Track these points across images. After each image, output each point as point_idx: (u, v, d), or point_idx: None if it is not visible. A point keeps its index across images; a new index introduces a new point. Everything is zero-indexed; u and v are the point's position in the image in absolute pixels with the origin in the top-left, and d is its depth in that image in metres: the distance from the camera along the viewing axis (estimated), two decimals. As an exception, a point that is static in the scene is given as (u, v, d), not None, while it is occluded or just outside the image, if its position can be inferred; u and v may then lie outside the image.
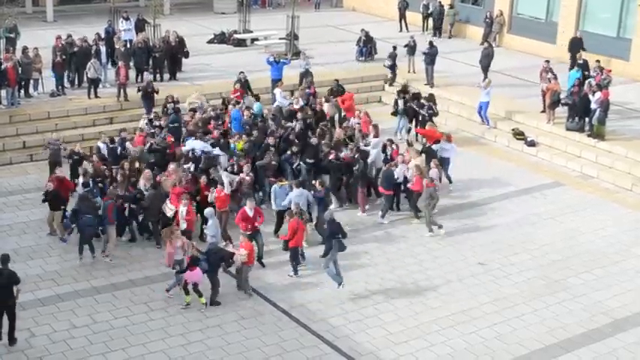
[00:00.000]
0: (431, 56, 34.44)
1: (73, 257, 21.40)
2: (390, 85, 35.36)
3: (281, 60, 33.09)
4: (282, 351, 17.93)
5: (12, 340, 17.65)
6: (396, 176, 24.15)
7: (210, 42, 41.17)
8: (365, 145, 25.73)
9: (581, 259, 22.48)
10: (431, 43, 35.20)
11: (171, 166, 23.50)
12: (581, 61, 33.19)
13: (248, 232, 20.98)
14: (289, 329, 18.74)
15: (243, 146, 25.30)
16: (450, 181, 26.45)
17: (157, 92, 29.88)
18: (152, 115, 27.74)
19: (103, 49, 32.58)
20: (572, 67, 33.94)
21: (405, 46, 36.08)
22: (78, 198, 22.12)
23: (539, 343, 18.56)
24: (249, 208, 21.35)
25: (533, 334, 18.91)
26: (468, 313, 19.62)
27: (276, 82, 32.28)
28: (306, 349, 18.01)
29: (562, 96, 31.01)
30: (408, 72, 36.01)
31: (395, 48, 35.53)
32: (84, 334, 18.19)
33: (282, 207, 22.42)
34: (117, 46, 33.22)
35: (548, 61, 33.27)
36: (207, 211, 21.10)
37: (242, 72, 31.38)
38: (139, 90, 30.30)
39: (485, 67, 34.99)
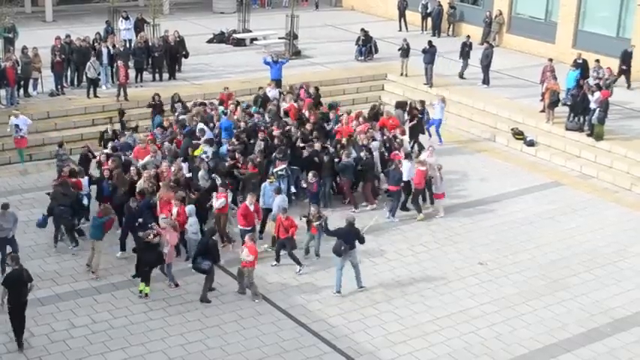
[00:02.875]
0: (430, 55, 34.45)
1: (72, 257, 21.40)
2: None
3: (279, 60, 33.03)
4: (282, 350, 17.93)
5: (21, 344, 17.64)
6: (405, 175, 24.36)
7: (209, 42, 41.17)
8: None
9: (580, 258, 22.49)
10: (430, 42, 35.22)
11: (164, 164, 23.32)
12: (580, 61, 33.19)
13: (248, 228, 21.08)
14: (288, 329, 18.75)
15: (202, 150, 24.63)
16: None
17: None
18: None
19: (104, 49, 32.46)
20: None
21: (399, 49, 35.89)
22: (55, 186, 22.13)
23: (539, 343, 18.56)
24: (249, 202, 21.37)
25: (533, 333, 18.92)
26: (468, 313, 19.63)
27: (276, 81, 32.25)
28: (305, 349, 18.01)
29: (561, 96, 31.05)
30: (401, 75, 35.94)
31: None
32: (83, 334, 18.18)
33: (269, 205, 22.44)
34: (108, 45, 32.94)
35: (551, 60, 33.24)
36: (189, 208, 21.17)
37: (261, 87, 31.00)
38: (149, 106, 29.40)
39: (486, 66, 34.99)
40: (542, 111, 31.66)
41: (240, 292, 19.99)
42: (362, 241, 20.49)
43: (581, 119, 30.20)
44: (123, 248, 21.52)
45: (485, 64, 34.98)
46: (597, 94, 29.48)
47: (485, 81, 35.18)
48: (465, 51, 35.81)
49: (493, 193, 26.60)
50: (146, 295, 19.63)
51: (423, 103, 29.51)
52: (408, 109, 29.33)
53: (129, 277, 20.53)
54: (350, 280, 20.63)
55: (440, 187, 24.61)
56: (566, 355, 18.17)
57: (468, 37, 36.90)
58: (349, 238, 20.07)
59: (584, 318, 19.62)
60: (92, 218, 21.22)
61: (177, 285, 20.15)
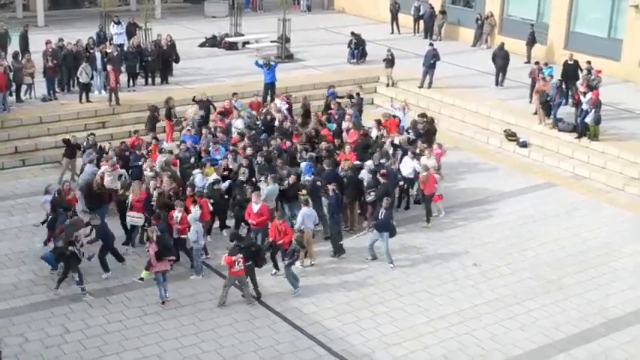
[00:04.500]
0: (433, 60, 34.52)
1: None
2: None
3: (271, 63, 32.93)
4: (277, 354, 17.91)
5: None
6: (404, 172, 24.47)
7: (201, 45, 41.17)
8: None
9: (574, 259, 22.52)
10: (431, 44, 35.35)
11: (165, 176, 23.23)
12: (571, 62, 33.24)
13: (254, 227, 21.29)
14: (283, 332, 18.72)
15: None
16: None
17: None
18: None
19: (98, 54, 32.38)
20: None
21: (384, 60, 35.67)
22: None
23: (533, 344, 18.57)
24: (254, 202, 21.40)
25: (527, 334, 18.93)
26: (462, 314, 19.64)
27: (270, 85, 32.23)
28: (300, 352, 17.99)
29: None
30: (387, 85, 35.88)
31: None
32: (77, 339, 18.12)
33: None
34: (102, 50, 32.80)
35: (537, 63, 33.42)
36: (191, 216, 21.06)
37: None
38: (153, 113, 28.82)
39: (501, 67, 35.47)
40: (536, 113, 31.69)
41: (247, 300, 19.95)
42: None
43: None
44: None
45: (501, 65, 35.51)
46: (589, 95, 29.51)
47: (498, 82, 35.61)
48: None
49: (486, 194, 26.63)
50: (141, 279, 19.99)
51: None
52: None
53: (123, 282, 20.50)
54: (343, 282, 20.72)
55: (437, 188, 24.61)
56: (561, 356, 18.18)
57: (503, 44, 36.63)
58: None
59: (578, 318, 19.64)
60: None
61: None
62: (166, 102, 28.98)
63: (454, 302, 20.18)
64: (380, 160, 24.40)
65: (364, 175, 23.79)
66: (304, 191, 22.83)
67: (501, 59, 35.49)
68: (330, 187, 22.39)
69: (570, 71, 32.85)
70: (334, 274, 21.37)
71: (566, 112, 31.11)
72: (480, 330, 19.03)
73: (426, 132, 27.58)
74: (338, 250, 22.22)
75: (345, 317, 19.35)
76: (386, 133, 27.10)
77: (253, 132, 26.75)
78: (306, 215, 21.45)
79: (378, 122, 27.81)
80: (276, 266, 21.13)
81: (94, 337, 18.26)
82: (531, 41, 39.08)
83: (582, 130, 29.72)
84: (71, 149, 25.77)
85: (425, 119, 28.20)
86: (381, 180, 23.20)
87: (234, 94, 30.38)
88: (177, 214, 21.11)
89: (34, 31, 41.31)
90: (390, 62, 35.42)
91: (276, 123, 27.73)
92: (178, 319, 19.05)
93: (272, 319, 19.20)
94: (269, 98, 31.80)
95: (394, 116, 28.81)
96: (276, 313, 19.47)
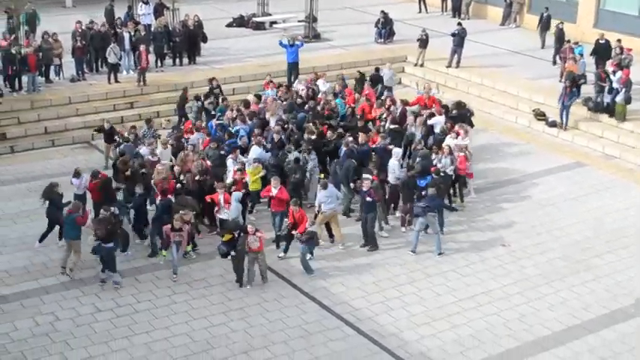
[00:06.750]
0: (460, 38, 34.31)
1: (95, 244, 21.42)
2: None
3: (295, 42, 32.85)
4: (305, 333, 18.00)
5: None
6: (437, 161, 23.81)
7: (228, 25, 41.15)
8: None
9: (603, 239, 22.39)
10: (460, 24, 35.12)
11: (191, 154, 23.36)
12: (603, 41, 32.87)
13: (275, 210, 21.45)
14: (312, 312, 18.81)
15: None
16: None
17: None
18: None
19: (126, 35, 32.51)
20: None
21: (418, 39, 35.41)
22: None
23: (562, 324, 18.53)
24: (273, 185, 21.42)
25: (556, 315, 18.88)
26: (490, 295, 19.62)
27: (293, 65, 32.17)
28: (328, 332, 18.07)
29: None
30: (415, 65, 35.67)
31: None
32: (108, 318, 18.33)
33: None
34: (129, 31, 32.90)
35: (569, 41, 33.10)
36: (235, 194, 21.28)
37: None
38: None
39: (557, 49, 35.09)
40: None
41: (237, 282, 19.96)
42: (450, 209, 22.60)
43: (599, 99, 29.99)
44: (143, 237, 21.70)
45: (558, 45, 35.06)
46: (619, 74, 29.23)
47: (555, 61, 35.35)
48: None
49: (515, 174, 26.51)
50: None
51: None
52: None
53: (152, 262, 20.68)
54: (371, 262, 20.78)
55: (469, 166, 24.43)
56: (590, 336, 18.13)
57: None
58: (433, 203, 21.23)
59: (607, 299, 19.55)
60: (65, 216, 20.40)
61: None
62: (210, 83, 28.85)
63: (482, 282, 20.16)
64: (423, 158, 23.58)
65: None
66: (322, 175, 22.90)
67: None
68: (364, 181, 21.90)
69: (601, 50, 32.50)
70: (362, 254, 21.40)
71: (589, 92, 30.72)
72: (508, 310, 19.01)
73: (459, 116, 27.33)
74: (371, 245, 21.80)
75: (373, 297, 19.41)
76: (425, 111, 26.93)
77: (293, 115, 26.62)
78: (323, 198, 21.36)
79: (405, 103, 27.69)
80: (285, 250, 21.08)
81: (124, 315, 18.45)
82: (545, 26, 37.80)
83: (613, 109, 29.43)
84: (108, 135, 25.72)
85: (464, 106, 27.92)
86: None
87: (270, 81, 29.64)
88: (220, 196, 21.25)
89: (63, 12, 41.60)
90: (424, 42, 35.17)
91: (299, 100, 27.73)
92: (207, 299, 19.18)
93: (300, 299, 19.29)
94: (293, 78, 31.73)
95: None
96: (304, 293, 19.56)
